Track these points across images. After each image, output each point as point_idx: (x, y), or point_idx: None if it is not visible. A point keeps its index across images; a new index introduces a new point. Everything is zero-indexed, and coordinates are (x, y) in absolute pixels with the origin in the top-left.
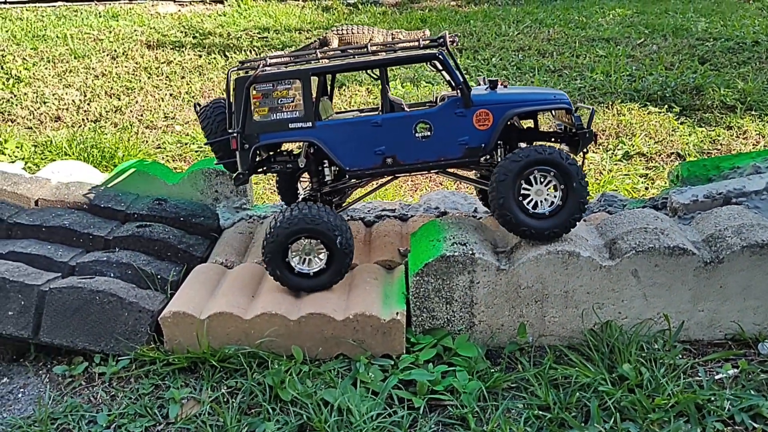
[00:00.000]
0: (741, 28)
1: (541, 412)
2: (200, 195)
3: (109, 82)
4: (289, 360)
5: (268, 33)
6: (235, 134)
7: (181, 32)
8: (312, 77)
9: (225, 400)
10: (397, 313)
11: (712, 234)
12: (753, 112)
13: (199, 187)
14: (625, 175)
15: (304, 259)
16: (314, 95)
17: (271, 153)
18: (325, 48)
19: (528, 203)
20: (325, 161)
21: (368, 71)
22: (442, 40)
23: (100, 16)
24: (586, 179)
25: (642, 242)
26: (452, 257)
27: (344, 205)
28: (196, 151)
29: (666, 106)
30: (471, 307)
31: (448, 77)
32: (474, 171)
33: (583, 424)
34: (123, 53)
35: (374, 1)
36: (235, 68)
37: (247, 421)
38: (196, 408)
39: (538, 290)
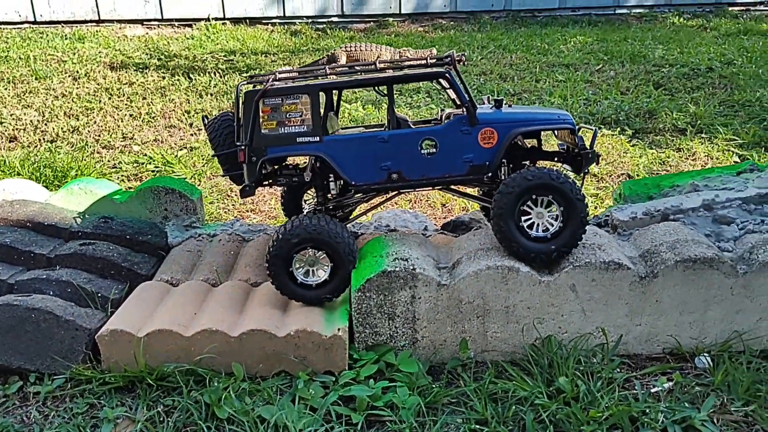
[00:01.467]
0: (696, 55)
1: (478, 426)
2: (149, 213)
3: (68, 102)
4: (229, 377)
5: (234, 56)
6: (243, 147)
7: (146, 54)
8: (320, 93)
9: (161, 419)
10: (338, 329)
11: (648, 249)
12: (703, 135)
13: (148, 205)
14: None
15: (308, 270)
16: (322, 110)
17: (276, 167)
18: (334, 64)
19: (530, 227)
20: (331, 175)
21: (375, 88)
22: (449, 58)
23: (66, 39)
24: (582, 194)
25: (579, 257)
26: (393, 272)
27: (350, 218)
28: (153, 171)
29: (619, 129)
30: (413, 322)
31: (453, 95)
32: (477, 188)
33: None
34: (85, 74)
35: (342, 26)
36: (245, 82)
37: None
38: (131, 427)
39: (479, 305)
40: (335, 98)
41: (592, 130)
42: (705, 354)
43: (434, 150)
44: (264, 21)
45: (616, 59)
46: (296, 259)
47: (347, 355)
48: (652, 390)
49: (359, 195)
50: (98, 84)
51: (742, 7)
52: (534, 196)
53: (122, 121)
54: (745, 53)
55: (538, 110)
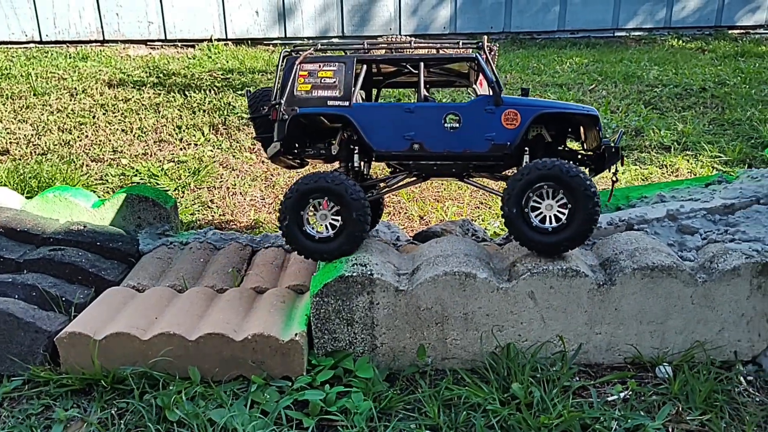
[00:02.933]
0: (691, 75)
1: None
2: (122, 221)
3: (63, 117)
4: (185, 381)
5: (232, 74)
6: (276, 105)
7: (145, 72)
8: (357, 64)
9: (113, 421)
10: (296, 335)
11: (608, 258)
12: (688, 152)
13: (121, 213)
14: None
15: (320, 224)
16: (355, 80)
17: (307, 141)
18: (372, 41)
19: (538, 217)
20: (356, 148)
21: (408, 66)
22: (480, 43)
23: (69, 58)
24: (594, 190)
25: (537, 264)
26: (351, 278)
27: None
28: (138, 183)
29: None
30: (372, 328)
31: (482, 77)
32: (498, 180)
33: None
34: (83, 91)
35: (343, 47)
36: (288, 50)
37: None
38: (83, 429)
39: (437, 312)
40: (374, 92)
41: (617, 133)
42: (665, 364)
43: (457, 125)
44: (266, 42)
45: (610, 80)
46: (308, 207)
47: (305, 361)
48: (609, 398)
49: (381, 180)
50: (94, 100)
51: (742, 30)
52: (545, 188)
53: (113, 136)
54: (740, 74)
55: (563, 102)
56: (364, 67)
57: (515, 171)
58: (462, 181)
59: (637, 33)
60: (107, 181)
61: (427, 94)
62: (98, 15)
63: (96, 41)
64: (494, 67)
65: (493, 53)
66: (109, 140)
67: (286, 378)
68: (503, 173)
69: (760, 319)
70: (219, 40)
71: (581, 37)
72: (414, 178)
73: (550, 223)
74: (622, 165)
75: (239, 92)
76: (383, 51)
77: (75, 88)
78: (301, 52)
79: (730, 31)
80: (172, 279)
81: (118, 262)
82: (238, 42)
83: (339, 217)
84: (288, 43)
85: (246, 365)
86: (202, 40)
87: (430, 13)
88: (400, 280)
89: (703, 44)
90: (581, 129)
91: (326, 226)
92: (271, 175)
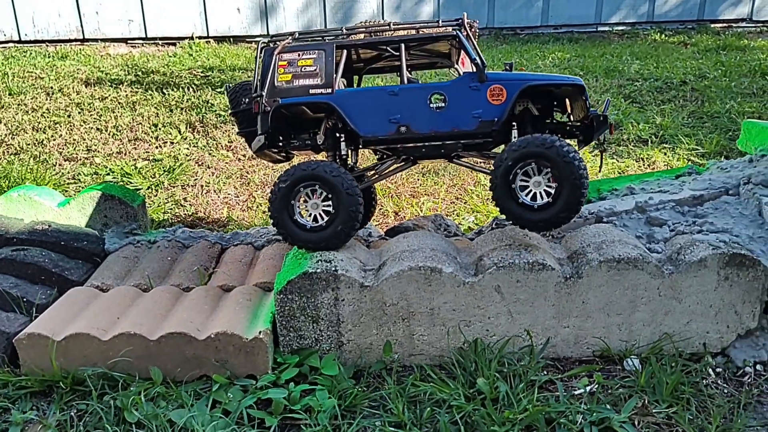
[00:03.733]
0: (672, 69)
1: (393, 429)
2: (88, 220)
3: (37, 117)
4: (146, 382)
5: (212, 72)
6: (257, 98)
7: (123, 71)
8: (336, 50)
9: (72, 423)
10: (260, 332)
11: (576, 250)
12: (666, 145)
13: (87, 212)
14: None
15: (311, 213)
16: (336, 67)
17: (291, 133)
18: (351, 26)
19: (527, 195)
20: (342, 136)
21: (389, 48)
22: (460, 20)
23: (48, 57)
24: (582, 163)
25: (504, 258)
26: (315, 274)
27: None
28: (112, 182)
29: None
30: (338, 325)
31: (464, 56)
32: (490, 162)
33: None
34: (59, 90)
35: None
36: (266, 41)
37: None
38: (40, 431)
39: (403, 308)
40: (356, 80)
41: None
42: (633, 356)
43: (443, 105)
44: (248, 39)
45: (591, 74)
46: (300, 197)
47: (270, 359)
48: (575, 392)
49: (370, 169)
50: (70, 99)
51: (725, 24)
52: (532, 164)
53: (88, 135)
54: (720, 67)
55: (548, 74)
56: (344, 53)
57: (504, 147)
58: (451, 161)
59: (620, 27)
60: (80, 180)
61: (410, 76)
62: (78, 14)
63: (76, 40)
64: (476, 44)
65: (473, 30)
66: (84, 139)
67: (251, 377)
68: (492, 151)
69: (728, 310)
70: (200, 37)
71: (564, 32)
72: (402, 163)
73: (542, 199)
74: (611, 134)
75: (218, 90)
76: (362, 36)
77: (51, 88)
78: (279, 42)
79: (712, 25)
80: (137, 278)
81: (83, 262)
82: (219, 39)
83: (330, 206)
84: None
85: (209, 364)
86: (183, 38)
87: (413, 8)
88: (366, 275)
89: (686, 38)
90: (567, 102)
91: (318, 215)
92: (247, 172)
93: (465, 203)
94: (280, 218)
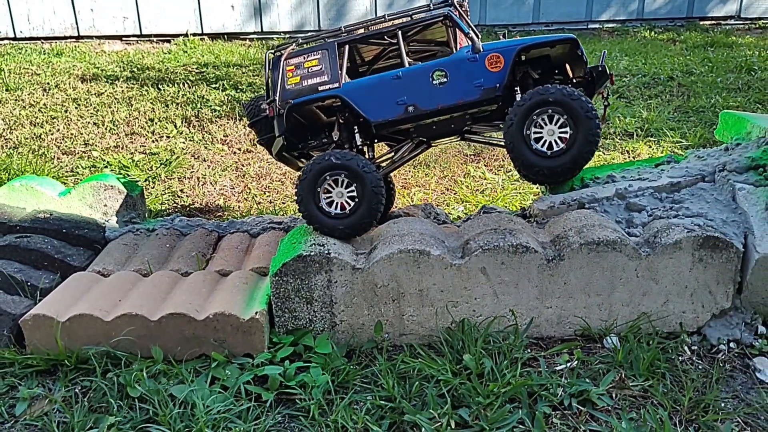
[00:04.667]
0: (660, 65)
1: (384, 402)
2: (89, 209)
3: (35, 112)
4: (147, 360)
5: (206, 68)
6: (270, 103)
7: (119, 67)
8: (338, 48)
9: (77, 399)
10: (256, 313)
11: (558, 234)
12: (651, 138)
13: (87, 201)
14: (519, 193)
15: (335, 202)
16: (341, 63)
17: (308, 135)
18: (349, 24)
19: (542, 145)
20: (356, 128)
21: (387, 38)
22: (450, 1)
23: (43, 54)
24: (594, 112)
25: (489, 241)
26: (308, 257)
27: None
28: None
29: None
30: (331, 306)
31: (460, 39)
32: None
33: (420, 411)
34: (56, 85)
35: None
36: (272, 51)
37: (93, 417)
38: (48, 407)
39: (393, 289)
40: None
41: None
42: (613, 335)
43: (445, 79)
44: (242, 36)
45: None
46: (324, 185)
47: (266, 338)
48: (557, 368)
49: (385, 155)
50: (67, 95)
51: (713, 22)
52: (548, 112)
53: (85, 129)
54: (707, 63)
55: (541, 35)
56: (346, 49)
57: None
58: (464, 139)
59: (610, 25)
60: (78, 173)
61: (411, 61)
62: (73, 11)
63: (71, 37)
64: (468, 21)
65: (464, 8)
66: (81, 133)
67: (248, 355)
68: (501, 121)
69: (702, 291)
70: (195, 34)
71: (555, 29)
72: (416, 147)
73: (551, 148)
74: (612, 83)
75: (213, 86)
76: (361, 31)
77: (48, 83)
78: (284, 51)
79: (701, 22)
80: (137, 264)
81: (84, 249)
82: (214, 36)
83: (354, 192)
84: (264, 38)
85: (208, 344)
86: (177, 35)
87: (405, 6)
88: (358, 258)
89: (675, 35)
90: (567, 66)
91: (343, 202)
92: (242, 165)
93: (455, 194)
94: (307, 211)
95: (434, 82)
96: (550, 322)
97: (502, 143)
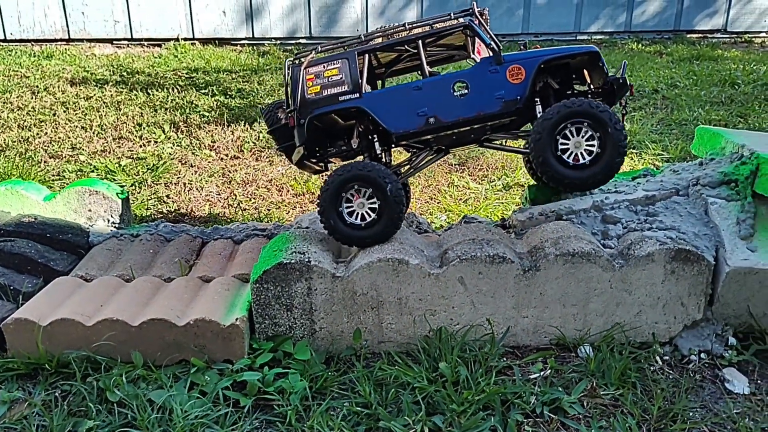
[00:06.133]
0: (645, 78)
1: (360, 409)
2: (74, 214)
3: (23, 115)
4: (127, 365)
5: (197, 73)
6: (291, 112)
7: (109, 71)
8: (358, 57)
9: (56, 402)
10: (237, 319)
11: (535, 245)
12: (633, 150)
13: (72, 206)
14: (502, 203)
15: (357, 213)
16: (361, 72)
17: (327, 142)
18: (369, 32)
19: (568, 157)
20: (375, 137)
21: (408, 47)
22: (471, 9)
23: (33, 56)
24: (621, 124)
25: (467, 251)
26: (289, 264)
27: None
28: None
29: None
30: (311, 314)
31: (479, 45)
32: (520, 140)
33: (395, 417)
34: (44, 89)
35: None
36: (291, 59)
37: (72, 421)
38: (27, 410)
39: (373, 297)
40: (379, 84)
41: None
42: (587, 345)
43: (466, 91)
44: (233, 42)
45: None
46: (345, 196)
47: (246, 345)
48: (531, 376)
49: (405, 162)
50: (56, 98)
51: (700, 35)
52: (573, 125)
53: (73, 133)
54: (692, 76)
55: (562, 47)
56: (366, 58)
57: (538, 117)
58: (482, 146)
59: (598, 36)
60: (64, 177)
61: (431, 70)
62: (63, 13)
63: (61, 40)
64: (489, 30)
65: (484, 17)
66: (69, 137)
67: (228, 361)
68: (520, 130)
69: (675, 302)
70: (186, 39)
71: (544, 40)
72: (435, 154)
73: (578, 160)
74: (631, 95)
75: (203, 91)
76: (380, 40)
77: (37, 86)
78: (303, 59)
79: (688, 35)
80: (120, 269)
81: (68, 253)
82: (205, 42)
83: (376, 203)
84: (256, 44)
85: (188, 349)
86: (168, 40)
87: (397, 14)
88: (338, 267)
89: (662, 47)
90: (585, 72)
91: (364, 213)
92: (229, 171)
93: (438, 203)
94: (330, 223)
95: (455, 93)
96: (527, 331)
97: (521, 150)
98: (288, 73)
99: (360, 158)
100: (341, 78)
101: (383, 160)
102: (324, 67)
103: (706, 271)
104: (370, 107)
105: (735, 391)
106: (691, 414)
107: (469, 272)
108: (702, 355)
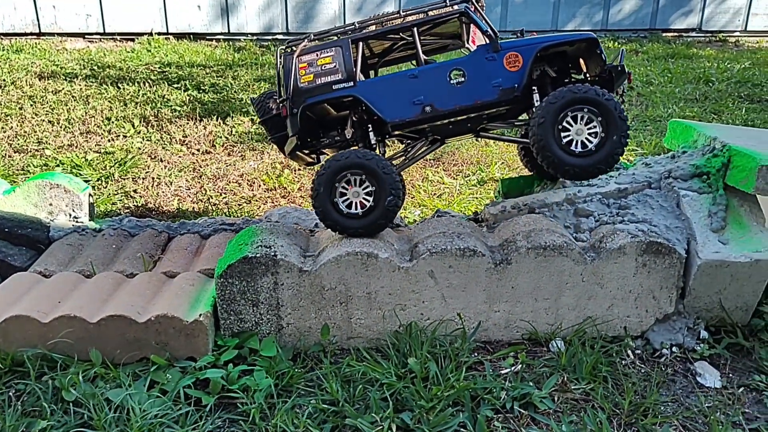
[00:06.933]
0: None
1: (326, 406)
2: (34, 208)
3: None
4: (85, 363)
5: (170, 68)
6: (283, 102)
7: (79, 65)
8: (352, 45)
9: (10, 402)
10: (200, 315)
11: (507, 238)
12: None
13: (32, 200)
14: (476, 198)
15: (351, 201)
16: (355, 60)
17: (321, 132)
18: (363, 20)
19: (570, 143)
20: (370, 126)
21: (402, 35)
22: None
23: (2, 50)
24: (625, 114)
25: (437, 244)
26: (254, 258)
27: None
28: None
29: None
30: (277, 309)
31: (474, 34)
32: (516, 130)
33: (362, 414)
34: (12, 83)
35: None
36: (283, 47)
37: (26, 421)
38: None
39: (341, 292)
40: (372, 74)
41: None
42: (559, 339)
43: (463, 79)
44: (208, 36)
45: None
46: (340, 184)
47: (210, 341)
48: (501, 372)
49: (401, 150)
50: (23, 92)
51: (675, 34)
52: (577, 112)
53: (39, 127)
54: (667, 74)
55: (559, 34)
56: (360, 46)
57: (539, 102)
58: (478, 135)
59: None
60: (29, 171)
61: (426, 58)
62: (34, 7)
63: (32, 34)
64: (485, 17)
65: (480, 4)
66: (35, 131)
67: (191, 359)
68: (517, 119)
69: (647, 295)
70: (160, 34)
71: None
72: (430, 145)
73: (579, 147)
74: (629, 82)
75: (175, 86)
76: (374, 28)
77: (4, 80)
78: (295, 47)
79: (664, 34)
80: (81, 265)
81: (27, 249)
82: (179, 36)
83: (372, 192)
84: (231, 39)
85: (150, 346)
86: (142, 34)
87: (374, 10)
88: (305, 261)
89: (638, 46)
90: (580, 61)
91: (358, 202)
92: (199, 166)
93: (412, 198)
94: (323, 209)
95: (452, 81)
96: (498, 326)
97: (520, 140)
98: (280, 61)
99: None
100: (335, 66)
101: (378, 150)
102: (317, 55)
103: (677, 264)
104: (365, 96)
105: (707, 385)
106: (662, 408)
107: (439, 266)
108: (674, 349)
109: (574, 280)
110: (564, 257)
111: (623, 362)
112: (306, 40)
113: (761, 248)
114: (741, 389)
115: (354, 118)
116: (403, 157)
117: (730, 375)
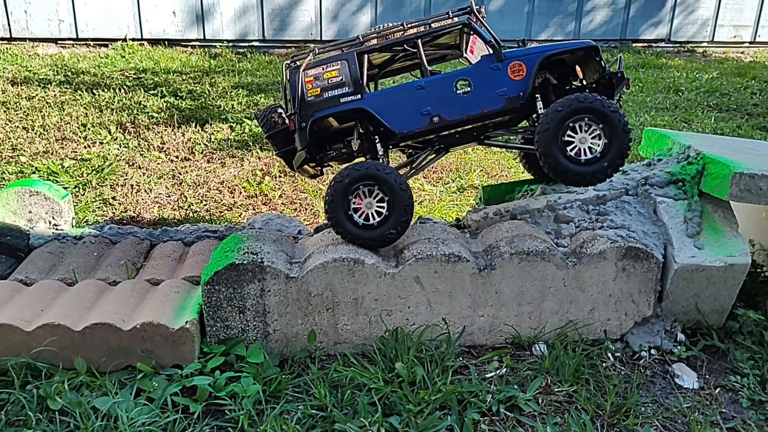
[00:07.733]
0: None
1: (315, 412)
2: (13, 215)
3: None
4: (70, 372)
5: (145, 74)
6: (291, 116)
7: (53, 71)
8: (358, 58)
9: None
10: (186, 322)
11: (490, 244)
12: None
13: (11, 208)
14: (456, 204)
15: (365, 213)
16: (361, 73)
17: (327, 145)
18: (366, 32)
19: (572, 151)
20: (377, 138)
21: (407, 47)
22: (468, 8)
23: None
24: (628, 125)
25: (422, 250)
26: (241, 265)
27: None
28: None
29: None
30: (264, 315)
31: (473, 45)
32: (519, 137)
33: (351, 419)
34: None
35: (264, 51)
36: (289, 62)
37: (10, 431)
38: None
39: (328, 298)
40: (372, 86)
41: (617, 59)
42: (541, 342)
43: (469, 89)
44: (183, 43)
45: None
46: (355, 195)
47: (197, 349)
48: (487, 375)
49: (406, 159)
50: None
51: (645, 44)
52: (581, 121)
53: (13, 134)
54: (638, 83)
55: (560, 42)
56: (366, 59)
57: (541, 111)
58: (482, 144)
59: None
60: (3, 179)
61: (431, 69)
62: (5, 12)
63: (2, 39)
64: (488, 27)
65: (482, 15)
66: (9, 138)
67: (178, 367)
68: (519, 127)
69: (626, 299)
70: (134, 40)
71: None
72: (435, 154)
73: (585, 155)
74: (627, 88)
75: (151, 92)
76: (377, 41)
77: None
78: (299, 62)
79: (634, 44)
80: (62, 273)
81: (6, 257)
82: (154, 42)
83: (385, 204)
84: (207, 46)
85: (135, 354)
86: (116, 40)
87: (350, 18)
88: (292, 267)
89: (609, 56)
90: (577, 68)
91: (372, 213)
92: (179, 173)
93: None
94: (336, 220)
95: (458, 91)
96: (483, 330)
97: (525, 147)
98: (286, 75)
99: (360, 160)
100: (341, 79)
101: (383, 161)
102: (323, 69)
103: (655, 269)
104: (373, 108)
105: (685, 386)
106: (643, 409)
107: (425, 271)
108: (652, 351)
109: (557, 284)
110: (546, 262)
111: (604, 364)
112: (311, 55)
113: (735, 252)
114: (717, 390)
115: (360, 130)
116: (409, 167)
117: (707, 376)
